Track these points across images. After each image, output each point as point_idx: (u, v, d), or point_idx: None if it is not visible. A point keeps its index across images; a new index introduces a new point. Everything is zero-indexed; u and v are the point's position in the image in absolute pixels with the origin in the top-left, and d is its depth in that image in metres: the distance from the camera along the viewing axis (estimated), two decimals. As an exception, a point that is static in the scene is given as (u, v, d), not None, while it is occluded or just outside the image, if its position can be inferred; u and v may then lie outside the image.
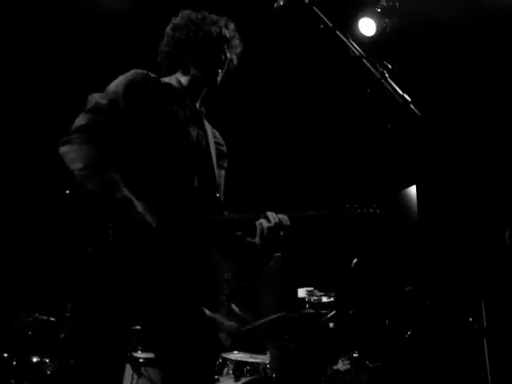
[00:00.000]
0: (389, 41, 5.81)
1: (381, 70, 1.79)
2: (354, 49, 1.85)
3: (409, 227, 4.68)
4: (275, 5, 2.15)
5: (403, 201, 6.87)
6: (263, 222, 2.00)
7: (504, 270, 4.10)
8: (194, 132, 2.24)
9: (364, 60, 1.82)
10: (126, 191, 1.93)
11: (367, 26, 5.90)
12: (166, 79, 2.34)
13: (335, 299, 4.40)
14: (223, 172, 2.41)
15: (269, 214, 2.02)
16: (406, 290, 4.72)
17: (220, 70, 2.31)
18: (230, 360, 3.97)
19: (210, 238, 2.10)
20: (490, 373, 4.50)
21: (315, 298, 4.30)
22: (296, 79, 5.68)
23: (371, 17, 5.88)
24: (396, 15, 5.83)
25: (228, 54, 2.32)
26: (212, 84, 2.34)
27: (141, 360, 3.75)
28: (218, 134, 2.46)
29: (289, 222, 2.01)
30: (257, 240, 2.02)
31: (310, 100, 5.90)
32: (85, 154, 1.96)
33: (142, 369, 3.68)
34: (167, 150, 2.10)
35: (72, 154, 1.97)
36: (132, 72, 2.20)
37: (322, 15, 1.97)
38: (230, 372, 3.93)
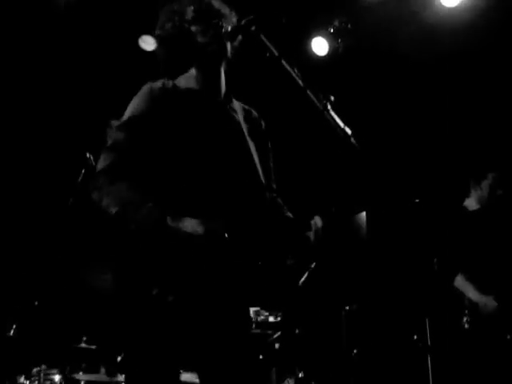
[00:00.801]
0: (341, 61, 5.94)
1: (324, 101, 1.81)
2: (298, 80, 1.87)
3: (357, 249, 4.76)
4: (222, 30, 2.16)
5: (354, 225, 7.02)
6: (317, 221, 1.99)
7: (442, 290, 4.19)
8: (225, 132, 2.10)
9: (308, 91, 1.84)
10: (170, 220, 1.85)
11: (320, 46, 6.00)
12: (182, 80, 2.17)
13: (282, 319, 4.40)
14: (269, 161, 2.27)
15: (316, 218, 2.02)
16: (352, 308, 4.78)
17: (224, 42, 2.12)
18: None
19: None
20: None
21: (262, 317, 4.29)
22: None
23: (324, 37, 5.98)
24: (349, 36, 5.95)
25: (222, 23, 2.11)
26: (222, 58, 2.16)
27: (82, 383, 3.65)
28: (254, 113, 2.31)
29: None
30: (312, 237, 2.00)
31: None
32: (117, 197, 1.89)
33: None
34: (200, 162, 1.98)
35: (106, 200, 1.89)
36: (146, 89, 2.06)
37: (268, 43, 1.98)
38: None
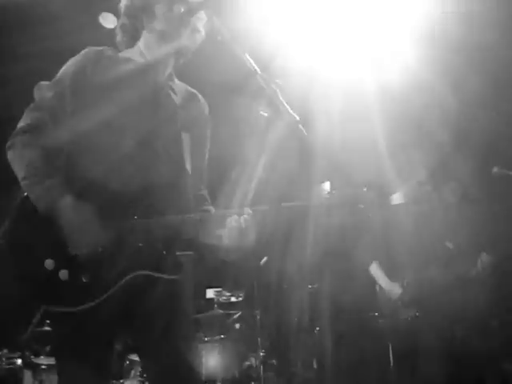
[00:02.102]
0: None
1: (273, 87, 1.80)
2: (249, 64, 1.85)
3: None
4: (176, 10, 2.12)
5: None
6: (233, 221, 1.86)
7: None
8: (156, 111, 2.04)
9: (257, 76, 1.82)
10: (68, 199, 1.81)
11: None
12: (128, 53, 2.12)
13: (243, 299, 4.45)
14: (203, 150, 2.20)
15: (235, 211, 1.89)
16: (315, 286, 4.85)
17: (182, 29, 2.05)
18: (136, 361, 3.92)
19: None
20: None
21: (224, 298, 4.32)
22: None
23: None
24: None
25: (182, 10, 2.03)
26: (174, 53, 2.12)
27: (42, 367, 3.63)
28: (198, 96, 2.24)
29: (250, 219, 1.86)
30: (224, 238, 1.88)
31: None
32: (26, 162, 1.86)
33: (44, 375, 3.57)
34: (122, 138, 1.92)
35: (16, 162, 1.88)
36: (83, 52, 2.02)
37: (219, 25, 1.96)
38: (138, 374, 3.89)
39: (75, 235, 1.82)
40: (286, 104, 1.76)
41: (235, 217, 1.87)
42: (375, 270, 4.39)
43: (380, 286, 4.38)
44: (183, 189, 2.05)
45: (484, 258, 4.05)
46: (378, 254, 4.40)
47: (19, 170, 1.87)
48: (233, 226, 1.85)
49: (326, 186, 7.15)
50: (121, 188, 1.89)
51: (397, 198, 4.53)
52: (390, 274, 4.31)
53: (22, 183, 1.86)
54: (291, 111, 1.75)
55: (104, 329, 1.87)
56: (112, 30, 2.32)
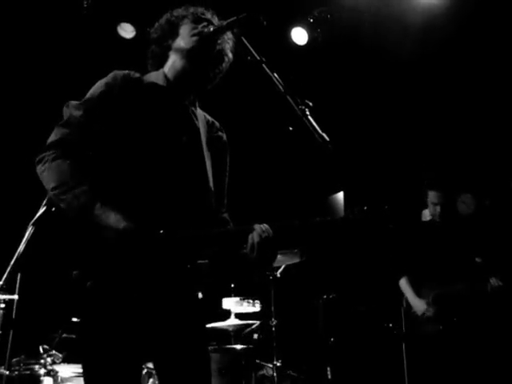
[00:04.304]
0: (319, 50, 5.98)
1: (302, 107, 1.84)
2: (278, 85, 1.89)
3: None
4: (205, 30, 2.17)
5: (331, 205, 7.19)
6: (255, 236, 1.89)
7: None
8: (180, 133, 2.09)
9: (287, 97, 1.86)
10: (98, 208, 1.86)
11: (299, 36, 6.02)
12: (152, 76, 2.19)
13: (260, 309, 4.47)
14: (223, 175, 2.27)
15: (256, 227, 1.92)
16: (331, 297, 4.86)
17: (208, 59, 2.13)
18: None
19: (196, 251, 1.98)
20: (408, 375, 4.73)
21: (241, 307, 4.35)
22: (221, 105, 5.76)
23: (303, 27, 6.01)
24: (328, 26, 5.98)
25: (220, 44, 2.12)
26: (200, 77, 2.18)
27: (63, 375, 3.67)
28: (216, 124, 2.31)
29: (271, 233, 1.90)
30: (249, 252, 1.91)
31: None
32: (56, 173, 1.91)
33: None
34: (148, 158, 1.98)
35: (45, 174, 1.92)
36: (111, 74, 2.09)
37: (249, 46, 2.00)
38: (156, 383, 3.91)
39: (113, 237, 1.84)
40: (315, 124, 1.80)
41: (259, 230, 1.90)
42: (404, 284, 4.42)
43: (406, 300, 4.43)
44: (209, 205, 2.12)
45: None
46: (407, 269, 4.45)
47: (49, 181, 1.91)
48: (255, 241, 1.88)
49: (340, 195, 7.23)
50: (147, 203, 1.94)
51: (425, 215, 4.57)
52: (418, 289, 4.35)
53: (52, 193, 1.90)
54: (321, 131, 1.79)
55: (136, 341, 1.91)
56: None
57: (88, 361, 1.89)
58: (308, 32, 6.00)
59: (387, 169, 6.01)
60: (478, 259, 4.25)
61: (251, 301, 4.36)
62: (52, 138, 2.00)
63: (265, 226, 1.91)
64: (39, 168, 1.96)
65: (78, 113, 2.00)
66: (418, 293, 4.35)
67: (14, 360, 4.25)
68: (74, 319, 3.35)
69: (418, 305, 4.28)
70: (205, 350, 2.07)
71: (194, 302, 2.06)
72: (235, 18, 2.06)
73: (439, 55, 5.60)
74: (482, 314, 4.09)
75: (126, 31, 5.84)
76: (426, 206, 4.58)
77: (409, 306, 4.40)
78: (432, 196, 4.42)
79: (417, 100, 5.90)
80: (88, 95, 2.07)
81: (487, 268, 4.14)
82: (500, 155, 5.57)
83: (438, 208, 4.38)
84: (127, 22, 5.76)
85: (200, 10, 2.22)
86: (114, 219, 1.84)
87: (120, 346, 1.86)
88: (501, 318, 4.20)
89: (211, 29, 2.13)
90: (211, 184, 2.13)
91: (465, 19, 5.26)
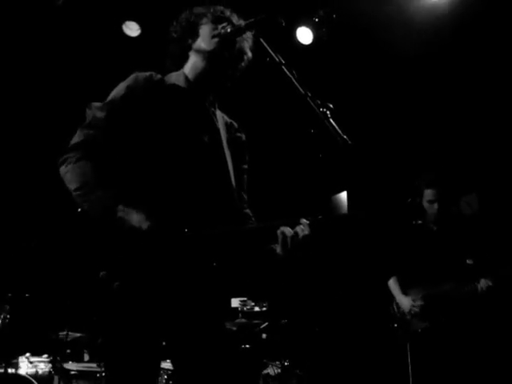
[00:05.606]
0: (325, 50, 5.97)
1: (323, 110, 1.84)
2: (298, 87, 1.90)
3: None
4: (222, 31, 2.17)
5: (335, 204, 7.23)
6: (285, 231, 1.87)
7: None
8: (202, 134, 2.10)
9: (308, 99, 1.87)
10: (121, 209, 1.86)
11: (304, 35, 6.02)
12: (173, 77, 2.19)
13: (268, 309, 4.48)
14: (244, 172, 2.28)
15: (303, 220, 1.89)
16: (338, 295, 4.88)
17: (228, 60, 2.14)
18: (163, 369, 3.96)
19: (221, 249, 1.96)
20: (412, 375, 4.74)
21: (248, 307, 4.36)
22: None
23: (308, 26, 6.00)
24: (333, 25, 5.97)
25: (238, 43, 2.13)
26: (221, 77, 2.19)
27: (72, 372, 3.68)
28: (235, 125, 2.33)
29: (307, 229, 1.87)
30: (278, 249, 1.90)
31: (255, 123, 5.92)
32: (79, 174, 1.91)
33: (74, 381, 3.61)
34: (172, 159, 1.98)
35: (68, 175, 1.93)
36: (132, 76, 2.09)
37: (268, 48, 2.00)
38: (163, 382, 3.92)
39: (137, 238, 1.84)
40: (336, 126, 1.81)
41: (286, 228, 1.88)
42: (393, 284, 4.46)
43: (394, 298, 4.47)
44: (232, 203, 2.13)
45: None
46: (396, 269, 4.49)
47: (72, 182, 1.92)
48: (287, 235, 1.87)
49: (344, 195, 7.26)
50: (171, 203, 1.95)
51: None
52: (407, 288, 4.39)
53: (75, 194, 1.91)
54: (341, 133, 1.79)
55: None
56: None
57: (113, 359, 1.90)
58: (313, 31, 5.99)
59: (390, 169, 6.01)
60: (469, 261, 4.26)
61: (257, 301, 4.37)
62: (75, 139, 2.01)
63: (304, 223, 1.88)
64: (62, 169, 1.96)
65: (101, 114, 2.01)
66: (407, 293, 4.38)
67: (20, 358, 4.27)
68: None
69: (405, 302, 4.31)
70: (230, 352, 2.06)
71: (220, 301, 2.08)
72: (254, 19, 2.07)
73: (441, 55, 5.60)
74: (471, 315, 4.10)
75: (132, 29, 5.83)
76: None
77: (398, 307, 4.43)
78: (428, 194, 4.39)
79: (423, 99, 5.90)
80: (110, 97, 2.07)
81: (478, 269, 4.14)
82: (500, 155, 5.57)
83: (436, 205, 4.34)
84: (132, 20, 5.75)
85: (219, 8, 2.22)
86: (136, 220, 1.85)
87: (144, 345, 1.87)
88: (490, 319, 4.22)
89: (229, 29, 2.14)
90: (233, 182, 2.15)
91: (467, 19, 5.26)
